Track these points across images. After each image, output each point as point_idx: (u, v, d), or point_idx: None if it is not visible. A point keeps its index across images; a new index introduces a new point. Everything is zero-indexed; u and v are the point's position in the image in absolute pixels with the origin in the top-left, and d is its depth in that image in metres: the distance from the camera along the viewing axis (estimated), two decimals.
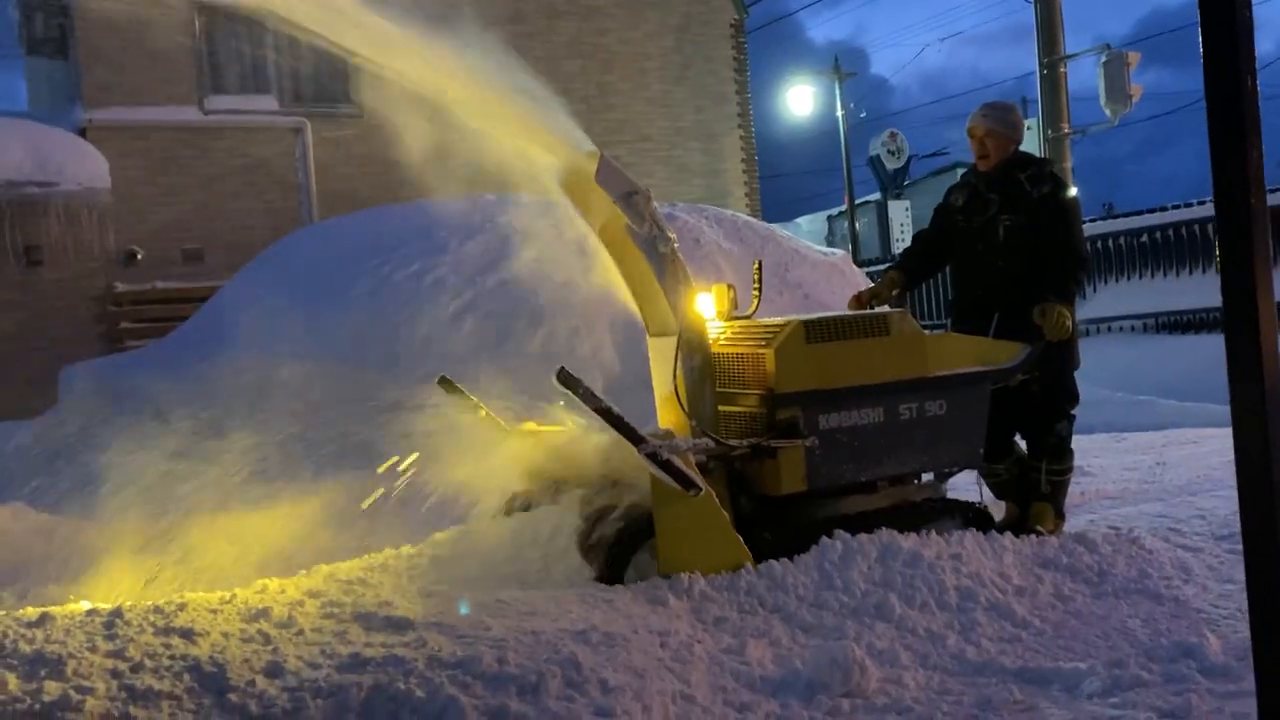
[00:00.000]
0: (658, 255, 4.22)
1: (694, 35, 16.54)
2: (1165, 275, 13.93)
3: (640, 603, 3.72)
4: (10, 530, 6.35)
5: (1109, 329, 14.42)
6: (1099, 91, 16.19)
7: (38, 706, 2.78)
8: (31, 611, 3.37)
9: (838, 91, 20.26)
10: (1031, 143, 17.51)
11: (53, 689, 2.84)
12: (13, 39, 15.44)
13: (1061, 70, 16.75)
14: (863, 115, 24.03)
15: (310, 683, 2.95)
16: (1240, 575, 4.30)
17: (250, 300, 9.62)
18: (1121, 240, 14.48)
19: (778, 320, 4.44)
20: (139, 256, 13.00)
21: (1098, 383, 11.33)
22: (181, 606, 3.44)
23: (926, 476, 4.78)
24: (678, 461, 3.88)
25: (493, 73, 4.08)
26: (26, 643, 3.08)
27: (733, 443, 4.19)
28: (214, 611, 3.41)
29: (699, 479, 3.94)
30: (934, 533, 4.34)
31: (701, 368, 4.28)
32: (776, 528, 4.27)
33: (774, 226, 11.09)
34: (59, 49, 14.11)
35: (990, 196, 5.07)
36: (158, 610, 3.39)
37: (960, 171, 5.51)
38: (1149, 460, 7.53)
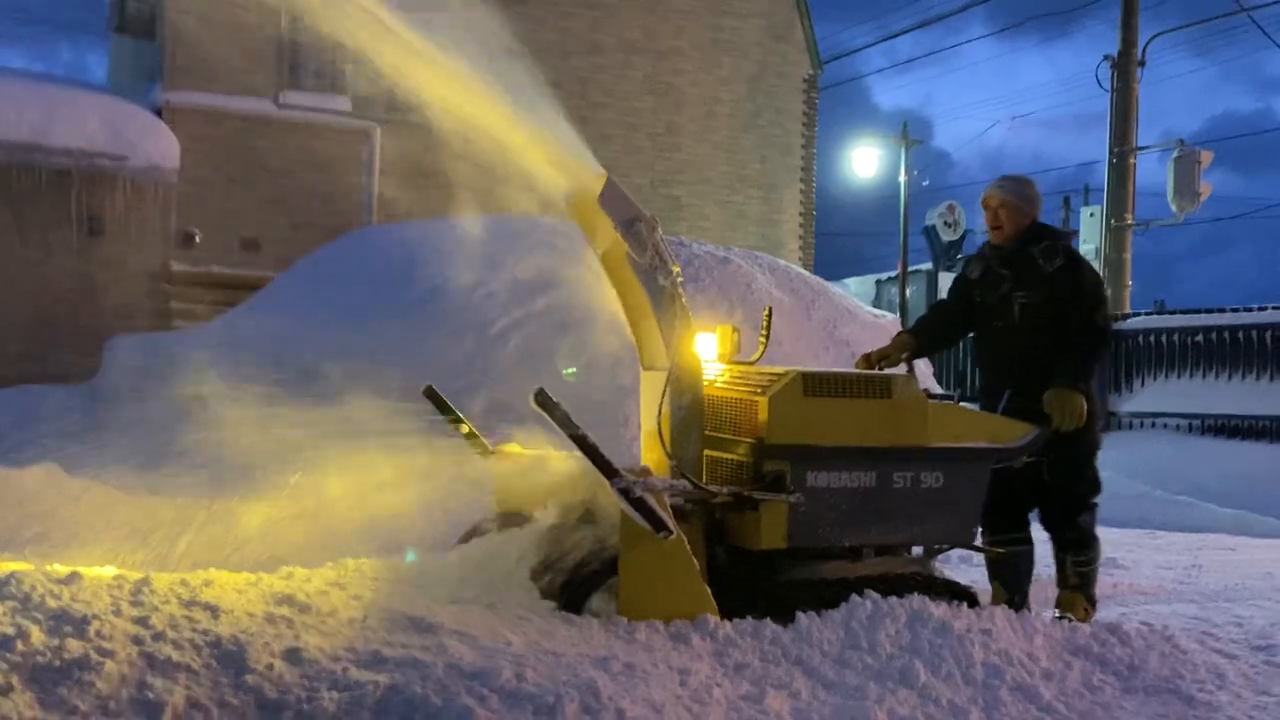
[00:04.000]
0: (656, 287, 4.02)
1: (767, 85, 16.62)
2: (1217, 377, 13.70)
3: (662, 637, 3.66)
4: (41, 491, 6.40)
5: (1152, 424, 14.20)
6: (1167, 187, 16.09)
7: (58, 663, 2.78)
8: (61, 569, 3.37)
9: (903, 157, 20.20)
10: (1095, 231, 17.45)
11: (74, 647, 2.84)
12: (99, 16, 15.83)
13: (1131, 161, 16.71)
14: (925, 184, 23.92)
15: (328, 674, 2.93)
16: (1278, 688, 4.21)
17: (301, 294, 9.72)
18: (1175, 337, 14.27)
19: (777, 369, 4.26)
20: (197, 239, 13.17)
21: (1135, 477, 11.16)
22: (208, 582, 3.44)
23: (916, 550, 4.54)
24: (650, 500, 3.68)
25: (508, 89, 3.95)
26: (53, 598, 3.08)
27: (712, 489, 4.01)
28: (240, 591, 3.40)
29: (671, 521, 3.73)
30: (964, 605, 4.26)
31: (690, 408, 4.09)
32: (751, 584, 4.07)
33: (827, 283, 11.06)
34: (146, 29, 14.41)
35: (1003, 273, 4.96)
36: (184, 583, 3.38)
37: None
38: (1185, 561, 7.39)
